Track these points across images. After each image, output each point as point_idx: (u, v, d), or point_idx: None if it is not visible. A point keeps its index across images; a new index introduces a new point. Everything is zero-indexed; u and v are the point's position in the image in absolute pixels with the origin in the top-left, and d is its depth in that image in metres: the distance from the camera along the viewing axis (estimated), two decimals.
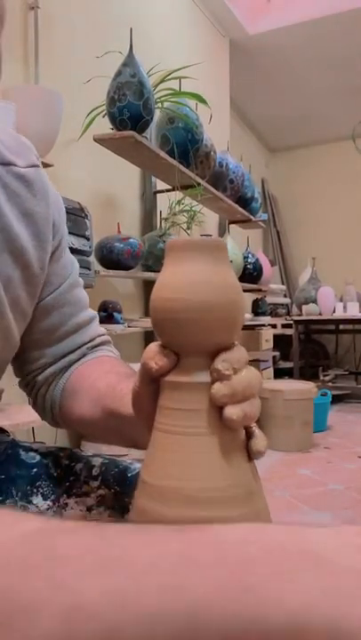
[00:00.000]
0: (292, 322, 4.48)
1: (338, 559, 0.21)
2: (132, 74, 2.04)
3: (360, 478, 2.43)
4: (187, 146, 2.51)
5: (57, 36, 2.18)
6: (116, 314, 2.18)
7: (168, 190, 2.70)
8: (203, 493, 0.37)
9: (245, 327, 3.69)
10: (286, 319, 4.72)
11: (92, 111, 2.18)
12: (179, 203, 2.71)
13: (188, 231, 2.76)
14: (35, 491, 0.63)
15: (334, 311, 4.39)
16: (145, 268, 2.55)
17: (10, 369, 0.65)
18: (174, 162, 2.41)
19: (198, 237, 0.42)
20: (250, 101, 4.86)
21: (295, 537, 0.23)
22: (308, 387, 3.04)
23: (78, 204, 1.98)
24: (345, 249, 5.58)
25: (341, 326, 4.87)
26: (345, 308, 4.37)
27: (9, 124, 1.60)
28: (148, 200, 2.85)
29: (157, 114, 2.43)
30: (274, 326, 4.36)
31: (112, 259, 2.21)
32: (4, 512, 0.26)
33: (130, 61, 2.07)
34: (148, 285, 2.76)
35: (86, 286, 0.78)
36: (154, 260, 2.49)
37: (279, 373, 4.53)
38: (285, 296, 5.24)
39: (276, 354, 4.51)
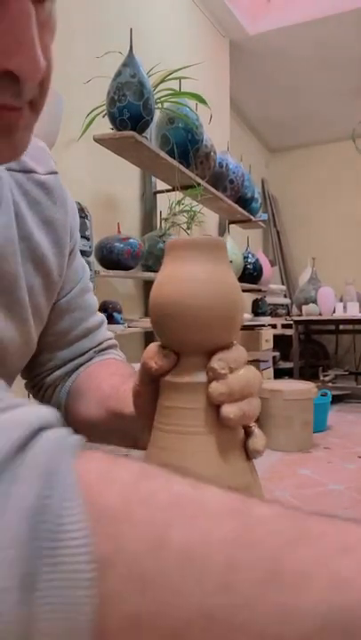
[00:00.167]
0: (292, 322, 4.47)
1: None
2: (132, 74, 2.04)
3: (360, 478, 2.42)
4: (187, 146, 2.51)
5: (57, 36, 2.17)
6: (116, 314, 2.18)
7: (168, 190, 2.70)
8: None
9: (245, 327, 3.69)
10: (286, 319, 4.72)
11: (91, 111, 2.18)
12: (179, 203, 2.71)
13: (188, 231, 2.76)
14: None
15: (334, 311, 4.39)
16: (145, 268, 2.56)
17: None
18: (174, 162, 2.41)
19: (198, 237, 0.42)
20: (250, 101, 4.87)
21: None
22: (308, 387, 3.04)
23: (78, 204, 1.98)
24: (345, 249, 5.58)
25: (341, 326, 4.87)
26: (345, 308, 4.37)
27: None
28: (148, 200, 2.85)
29: (157, 114, 2.44)
30: (274, 326, 4.36)
31: (112, 259, 2.21)
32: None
33: (130, 61, 2.08)
34: (148, 285, 2.76)
35: None
36: (154, 261, 2.49)
37: (279, 373, 4.53)
38: (285, 296, 5.24)
39: (276, 354, 4.51)
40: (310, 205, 5.82)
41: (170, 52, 2.99)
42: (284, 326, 4.64)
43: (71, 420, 0.65)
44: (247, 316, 3.80)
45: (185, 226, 2.74)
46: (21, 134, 0.39)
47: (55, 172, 0.60)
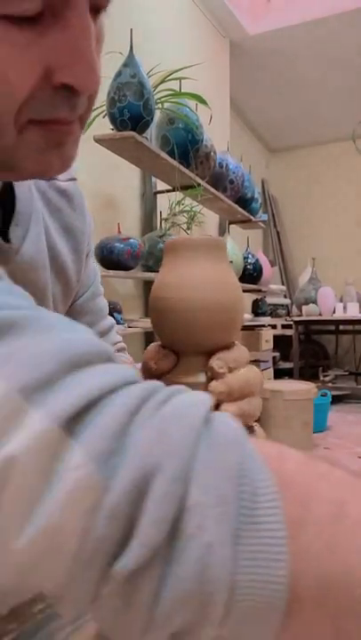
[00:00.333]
0: (292, 322, 4.47)
1: None
2: (132, 74, 2.04)
3: None
4: (187, 146, 2.51)
5: None
6: (116, 314, 2.18)
7: (168, 191, 2.70)
8: None
9: (245, 328, 3.69)
10: (286, 320, 4.72)
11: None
12: (179, 203, 2.71)
13: (189, 231, 2.76)
14: None
15: (334, 312, 4.39)
16: (145, 268, 2.56)
17: None
18: (174, 162, 2.41)
19: (198, 237, 0.42)
20: (250, 102, 4.87)
21: None
22: (308, 387, 3.04)
23: None
24: (345, 249, 5.58)
25: (341, 327, 4.87)
26: (345, 308, 4.36)
27: None
28: (149, 200, 2.85)
29: (158, 114, 2.44)
30: (274, 327, 4.36)
31: (112, 259, 2.21)
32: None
33: (130, 62, 2.08)
34: (148, 286, 2.76)
35: None
36: (154, 261, 2.49)
37: (279, 374, 4.53)
38: (285, 296, 5.24)
39: (276, 354, 4.51)
40: (310, 205, 5.82)
41: (170, 52, 2.99)
42: (284, 326, 4.64)
43: None
44: (247, 317, 3.80)
45: (185, 226, 2.74)
46: (70, 147, 0.40)
47: (74, 179, 0.60)
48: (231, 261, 0.43)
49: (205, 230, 3.49)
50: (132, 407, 0.26)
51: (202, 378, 0.39)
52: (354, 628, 0.24)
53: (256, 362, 3.60)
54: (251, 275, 3.55)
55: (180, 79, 2.41)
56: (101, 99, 2.13)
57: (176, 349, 0.41)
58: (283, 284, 5.43)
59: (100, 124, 2.16)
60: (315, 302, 4.43)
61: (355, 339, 5.32)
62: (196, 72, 2.58)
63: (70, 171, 0.60)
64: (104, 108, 2.12)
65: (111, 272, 2.22)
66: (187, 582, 0.23)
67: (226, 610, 0.23)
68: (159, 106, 2.33)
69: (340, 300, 4.54)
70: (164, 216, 2.77)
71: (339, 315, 4.36)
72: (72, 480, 0.23)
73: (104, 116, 2.14)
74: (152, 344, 0.43)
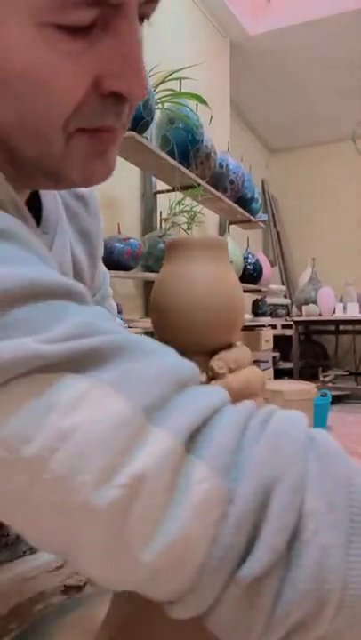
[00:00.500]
0: (292, 322, 4.47)
1: None
2: None
3: None
4: (187, 146, 2.51)
5: None
6: None
7: (168, 191, 2.70)
8: None
9: (245, 328, 3.69)
10: (286, 320, 4.71)
11: None
12: (179, 203, 2.71)
13: (189, 232, 2.76)
14: None
15: (334, 312, 4.38)
16: (145, 268, 2.55)
17: None
18: (175, 162, 2.41)
19: (198, 236, 0.42)
20: (250, 102, 4.86)
21: None
22: (307, 387, 3.03)
23: None
24: (345, 249, 5.57)
25: (341, 327, 4.87)
26: (345, 308, 4.36)
27: None
28: (149, 200, 2.85)
29: (158, 114, 2.44)
30: (274, 327, 4.35)
31: (112, 259, 2.21)
32: None
33: None
34: (148, 286, 2.76)
35: None
36: (154, 261, 2.49)
37: (279, 374, 4.52)
38: (285, 297, 5.24)
39: (276, 354, 4.51)
40: (310, 205, 5.81)
41: (170, 52, 2.99)
42: (284, 327, 4.64)
43: None
44: (247, 317, 3.81)
45: (185, 226, 2.74)
46: (113, 155, 0.40)
47: None
48: (231, 261, 0.43)
49: (206, 230, 3.49)
50: (240, 424, 0.28)
51: (202, 378, 0.39)
52: None
53: (256, 362, 3.60)
54: (251, 275, 3.55)
55: (180, 79, 2.41)
56: None
57: (177, 349, 0.41)
58: (283, 285, 5.43)
59: None
60: (315, 302, 4.43)
61: (355, 339, 5.32)
62: (196, 72, 2.58)
63: None
64: None
65: (111, 272, 2.20)
66: (305, 583, 0.25)
67: (337, 610, 0.25)
68: (159, 106, 2.33)
69: (340, 301, 4.54)
70: (165, 216, 2.77)
71: (339, 315, 4.36)
72: (199, 493, 0.25)
73: None
74: None
